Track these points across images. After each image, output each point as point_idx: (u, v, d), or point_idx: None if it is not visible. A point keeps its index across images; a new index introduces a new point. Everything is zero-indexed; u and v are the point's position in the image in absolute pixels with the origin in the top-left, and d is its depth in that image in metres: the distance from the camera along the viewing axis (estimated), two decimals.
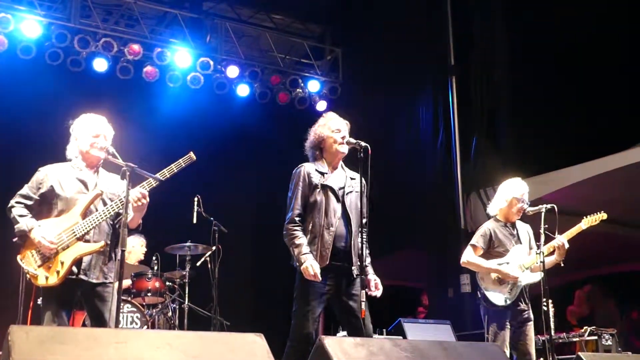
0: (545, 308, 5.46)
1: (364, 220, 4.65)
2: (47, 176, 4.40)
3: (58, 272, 4.19)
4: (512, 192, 5.75)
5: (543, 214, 5.56)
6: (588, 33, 8.64)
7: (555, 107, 8.94)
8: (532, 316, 5.65)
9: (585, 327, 7.01)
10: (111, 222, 4.50)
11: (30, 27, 8.64)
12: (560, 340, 7.05)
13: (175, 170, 4.52)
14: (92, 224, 4.31)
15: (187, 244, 7.56)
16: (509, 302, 5.55)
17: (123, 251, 4.17)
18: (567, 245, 5.53)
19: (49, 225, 4.29)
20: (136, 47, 9.27)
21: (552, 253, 5.60)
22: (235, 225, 8.28)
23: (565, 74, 8.79)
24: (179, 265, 7.82)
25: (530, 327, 5.61)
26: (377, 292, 4.55)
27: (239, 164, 10.31)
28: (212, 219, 7.64)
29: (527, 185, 5.85)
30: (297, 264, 4.43)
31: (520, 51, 9.34)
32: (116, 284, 4.38)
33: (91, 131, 4.49)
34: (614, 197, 9.07)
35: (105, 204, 4.43)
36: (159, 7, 9.92)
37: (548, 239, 5.53)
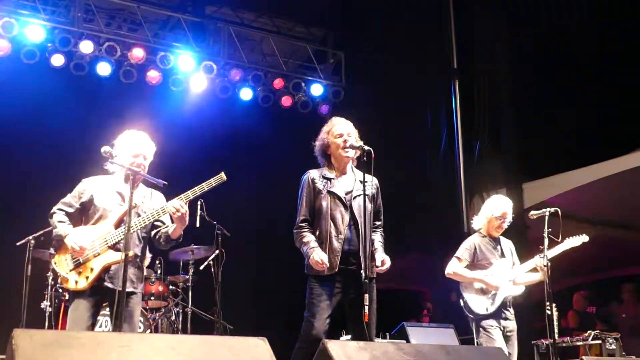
0: (548, 312, 5.50)
1: (378, 223, 4.75)
2: (88, 187, 4.61)
3: (87, 278, 4.38)
4: (491, 210, 5.93)
5: (547, 218, 5.60)
6: (591, 36, 8.64)
7: (558, 110, 8.94)
8: (515, 327, 5.81)
9: (589, 331, 7.00)
10: (144, 235, 4.63)
11: (34, 31, 8.65)
12: (564, 344, 7.03)
13: (206, 189, 4.54)
14: (123, 234, 4.39)
15: (191, 247, 7.56)
16: (490, 311, 5.72)
17: (127, 255, 4.21)
18: (549, 264, 5.63)
19: (84, 232, 4.47)
20: (139, 51, 9.28)
21: (535, 270, 5.75)
22: (238, 229, 8.27)
23: (568, 78, 8.79)
24: (182, 269, 7.83)
25: (514, 338, 5.77)
26: (384, 267, 4.59)
27: (241, 167, 10.29)
28: (215, 222, 7.63)
29: (509, 203, 5.98)
30: (306, 259, 4.51)
31: (523, 54, 9.34)
32: (140, 295, 4.64)
33: (132, 150, 4.60)
34: (617, 200, 9.07)
35: (139, 216, 4.53)
36: (162, 11, 9.93)
37: (552, 243, 5.59)
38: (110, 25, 9.56)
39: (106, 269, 4.42)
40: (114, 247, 4.43)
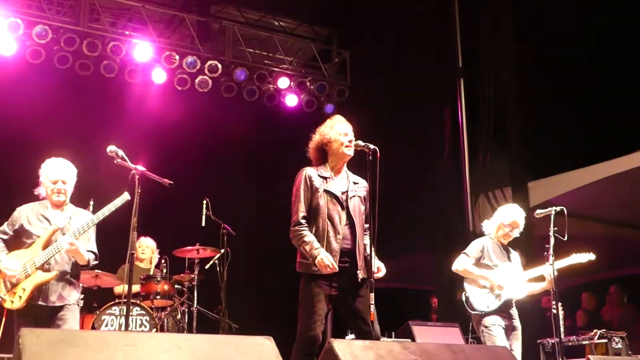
0: (554, 311, 5.51)
1: (367, 225, 4.67)
2: (20, 214, 4.98)
3: (20, 297, 4.73)
4: (501, 218, 6.00)
5: (552, 217, 5.61)
6: (597, 34, 8.61)
7: (564, 109, 8.91)
8: (519, 326, 5.81)
9: (595, 330, 6.98)
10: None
11: (40, 31, 8.68)
12: (570, 343, 7.02)
13: (113, 209, 4.83)
14: (49, 255, 4.77)
15: (196, 247, 7.57)
16: (490, 308, 5.74)
17: (132, 254, 4.29)
18: (555, 273, 5.68)
19: (16, 256, 4.84)
20: (144, 50, 9.30)
21: (541, 279, 5.78)
22: (243, 228, 8.29)
23: (574, 76, 8.76)
24: (188, 268, 7.83)
25: (517, 337, 5.78)
26: (380, 274, 4.53)
27: (246, 166, 10.33)
28: (220, 222, 7.65)
29: (521, 213, 5.99)
30: (310, 259, 4.40)
31: (528, 53, 9.31)
32: (75, 306, 4.93)
33: (50, 177, 4.96)
34: (623, 199, 9.04)
35: (63, 234, 4.85)
36: (166, 10, 9.95)
37: (557, 242, 5.60)
38: (115, 25, 9.58)
39: (37, 288, 4.74)
40: (42, 268, 4.77)
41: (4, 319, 4.96)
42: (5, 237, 4.94)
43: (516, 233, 5.95)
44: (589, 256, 5.92)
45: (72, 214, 5.01)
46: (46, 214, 4.95)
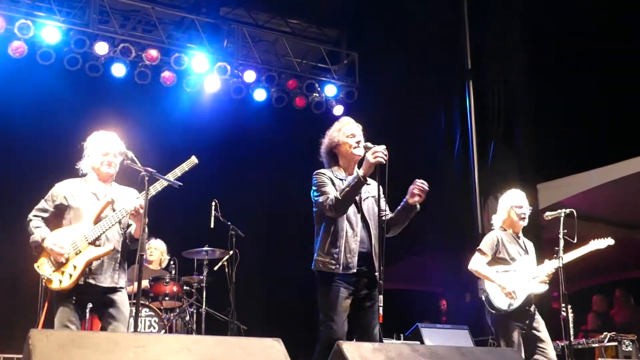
0: (564, 313, 5.46)
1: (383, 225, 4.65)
2: (61, 189, 4.70)
3: (71, 275, 4.43)
4: (509, 201, 5.84)
5: (562, 219, 5.57)
6: (606, 36, 8.58)
7: (573, 110, 8.89)
8: (542, 321, 5.64)
9: (604, 333, 6.94)
10: (122, 232, 4.70)
11: (50, 33, 8.72)
12: (580, 346, 6.99)
13: (179, 174, 4.67)
14: (102, 229, 4.53)
15: (205, 248, 7.58)
16: (512, 307, 5.57)
17: (142, 255, 4.29)
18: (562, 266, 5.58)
19: (63, 233, 4.56)
20: (154, 52, 9.32)
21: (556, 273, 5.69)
22: (252, 229, 8.29)
23: (583, 78, 8.74)
24: (197, 269, 7.84)
25: (539, 325, 5.60)
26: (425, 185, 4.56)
27: (255, 168, 10.33)
28: (229, 223, 7.65)
29: (523, 195, 5.87)
30: (355, 180, 4.36)
31: (537, 54, 9.30)
32: (125, 291, 4.67)
33: (101, 149, 4.72)
34: (633, 201, 9.00)
35: (114, 211, 4.62)
36: (176, 12, 9.97)
37: (567, 244, 5.55)
38: (124, 27, 9.60)
39: (88, 265, 4.48)
40: (94, 243, 4.52)
41: (46, 304, 4.71)
42: (45, 215, 4.65)
43: (527, 211, 5.76)
44: (608, 241, 5.75)
45: (119, 190, 4.79)
46: (93, 189, 4.70)
